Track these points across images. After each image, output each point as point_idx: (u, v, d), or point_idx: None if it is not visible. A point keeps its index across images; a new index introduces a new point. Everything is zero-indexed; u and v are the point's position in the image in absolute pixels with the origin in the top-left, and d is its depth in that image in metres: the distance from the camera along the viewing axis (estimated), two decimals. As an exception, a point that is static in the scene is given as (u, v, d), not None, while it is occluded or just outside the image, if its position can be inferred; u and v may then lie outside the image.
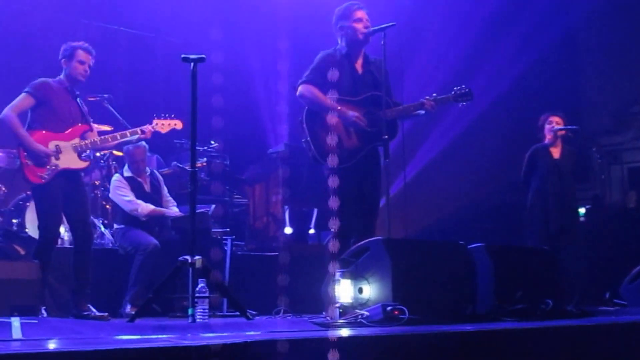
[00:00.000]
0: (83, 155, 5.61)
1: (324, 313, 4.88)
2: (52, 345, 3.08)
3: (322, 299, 4.99)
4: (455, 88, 5.46)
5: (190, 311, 4.55)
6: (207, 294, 4.72)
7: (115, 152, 7.34)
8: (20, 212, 6.92)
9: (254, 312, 5.26)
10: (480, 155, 9.72)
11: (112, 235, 6.80)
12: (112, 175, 6.94)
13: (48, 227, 5.48)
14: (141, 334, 3.71)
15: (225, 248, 6.68)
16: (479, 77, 8.92)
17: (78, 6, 8.87)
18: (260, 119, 9.98)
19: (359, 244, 4.75)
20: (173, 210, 6.79)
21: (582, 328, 4.28)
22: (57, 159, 5.45)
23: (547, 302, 4.85)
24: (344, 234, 5.08)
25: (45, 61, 6.18)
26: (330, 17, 5.51)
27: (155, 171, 7.10)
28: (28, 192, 6.90)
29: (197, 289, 4.65)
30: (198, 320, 4.58)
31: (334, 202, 4.98)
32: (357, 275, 4.49)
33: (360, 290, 4.46)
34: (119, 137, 5.76)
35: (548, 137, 7.16)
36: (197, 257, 4.68)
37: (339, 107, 5.24)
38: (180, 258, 4.72)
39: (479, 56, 9.53)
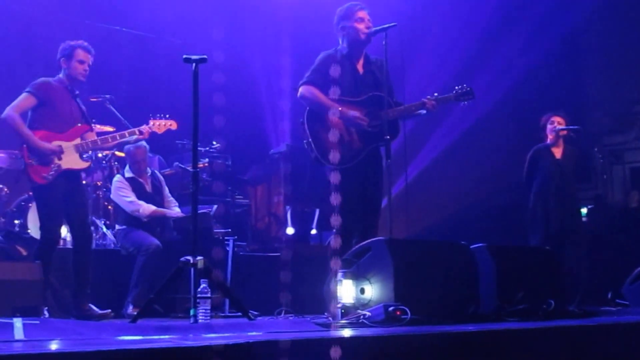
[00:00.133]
0: (84, 155, 5.61)
1: (325, 313, 4.88)
2: (54, 346, 3.08)
3: (324, 299, 4.99)
4: (456, 87, 5.45)
5: (192, 312, 4.55)
6: (209, 295, 4.72)
7: (117, 152, 7.34)
8: (22, 213, 6.92)
9: (255, 313, 5.26)
10: (482, 155, 9.71)
11: (114, 236, 6.81)
12: (114, 176, 6.95)
13: (49, 228, 5.49)
14: (143, 335, 3.71)
15: (227, 248, 6.68)
16: (480, 77, 8.92)
17: (80, 6, 8.88)
18: (262, 119, 9.98)
19: (361, 244, 4.76)
20: (175, 210, 6.79)
21: (584, 328, 4.28)
22: (60, 159, 5.45)
23: (549, 302, 4.84)
24: (346, 234, 5.08)
25: (47, 61, 6.18)
26: (332, 16, 5.50)
27: (156, 171, 7.10)
28: (30, 193, 6.91)
29: (199, 289, 4.65)
30: (200, 320, 4.57)
31: (335, 203, 4.98)
32: (359, 275, 4.49)
33: (362, 291, 4.46)
34: (118, 138, 5.78)
35: (550, 137, 7.16)
36: (199, 258, 4.67)
37: (340, 108, 5.24)
38: (182, 259, 4.71)
39: (480, 56, 9.53)
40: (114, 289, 6.19)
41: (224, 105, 7.30)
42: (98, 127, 6.82)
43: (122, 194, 6.58)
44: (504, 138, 9.57)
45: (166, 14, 9.05)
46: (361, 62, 5.46)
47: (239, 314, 5.16)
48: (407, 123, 6.92)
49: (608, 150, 9.68)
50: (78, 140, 5.56)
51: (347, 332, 3.75)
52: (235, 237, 6.88)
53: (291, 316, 5.43)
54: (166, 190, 6.94)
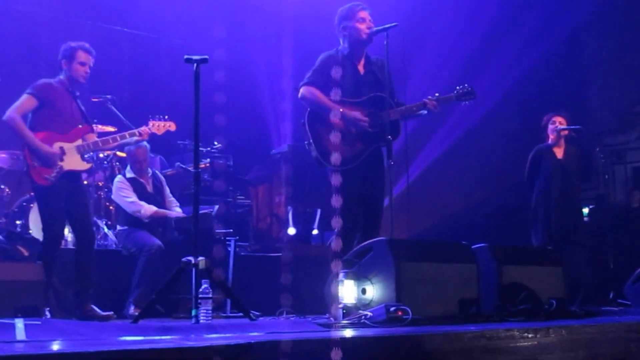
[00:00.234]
0: (86, 156, 5.62)
1: (327, 314, 4.88)
2: (55, 346, 3.08)
3: (326, 299, 4.99)
4: (457, 87, 5.44)
5: (193, 312, 4.55)
6: (210, 295, 4.72)
7: (118, 153, 7.34)
8: (24, 214, 6.93)
9: (257, 313, 5.26)
10: (483, 156, 9.71)
11: (116, 237, 6.81)
12: (115, 176, 6.95)
13: (52, 229, 5.49)
14: (145, 335, 3.71)
15: (229, 249, 6.68)
16: (482, 78, 8.91)
17: (82, 7, 8.88)
18: (263, 119, 9.99)
19: (362, 244, 4.75)
20: (176, 210, 6.79)
21: (585, 328, 4.27)
22: (62, 160, 5.45)
23: (551, 302, 4.84)
24: (348, 235, 5.08)
25: (49, 62, 6.18)
26: (333, 16, 5.50)
27: (157, 172, 7.10)
28: (32, 194, 6.90)
29: (201, 289, 4.65)
30: (201, 321, 4.58)
31: (337, 203, 4.98)
32: (360, 275, 4.49)
33: (364, 291, 4.46)
34: (118, 139, 5.78)
35: (551, 137, 7.15)
36: (200, 258, 4.68)
37: (341, 109, 5.23)
38: (183, 259, 4.72)
39: (482, 56, 9.52)
40: (115, 289, 6.19)
41: (225, 106, 7.30)
42: (99, 128, 6.83)
43: (123, 194, 6.58)
44: (505, 138, 9.57)
45: (168, 15, 9.05)
46: (362, 62, 5.46)
47: (241, 314, 5.16)
48: (409, 123, 6.90)
49: (610, 150, 9.66)
50: (79, 142, 5.56)
51: (348, 333, 3.75)
52: (237, 237, 6.88)
53: (292, 316, 5.43)
54: (167, 190, 6.94)
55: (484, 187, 9.57)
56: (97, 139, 5.65)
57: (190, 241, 4.89)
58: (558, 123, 7.12)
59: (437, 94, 5.38)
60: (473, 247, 4.98)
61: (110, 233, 6.97)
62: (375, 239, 4.72)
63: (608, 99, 10.30)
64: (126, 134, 5.81)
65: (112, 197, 6.81)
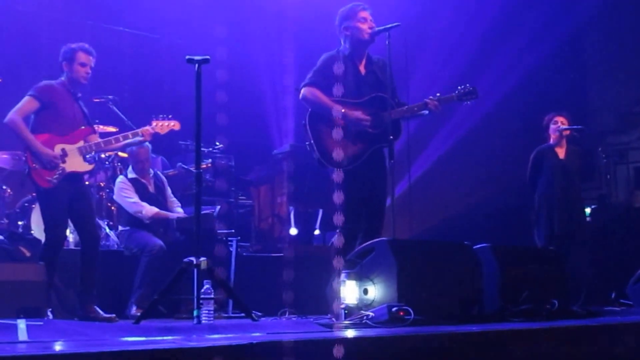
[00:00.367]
0: (87, 157, 5.61)
1: (329, 314, 4.88)
2: (57, 347, 3.09)
3: (327, 299, 4.99)
4: (459, 87, 5.43)
5: (195, 312, 4.56)
6: (212, 295, 4.72)
7: (120, 153, 7.35)
8: (25, 214, 6.93)
9: (259, 313, 5.26)
10: (485, 156, 9.70)
11: (118, 237, 6.81)
12: (117, 177, 6.95)
13: (54, 231, 5.48)
14: (147, 336, 3.72)
15: (231, 249, 6.69)
16: (484, 77, 8.91)
17: (82, 7, 8.89)
18: (265, 119, 9.98)
19: (364, 244, 4.75)
20: (177, 211, 6.79)
21: (587, 328, 4.27)
22: (64, 162, 5.45)
23: (553, 302, 4.84)
24: (350, 235, 5.08)
25: (51, 62, 6.17)
26: (335, 15, 5.49)
27: (158, 172, 7.11)
28: (33, 194, 6.91)
29: (202, 290, 4.65)
30: (203, 321, 4.58)
31: (339, 204, 4.98)
32: (362, 276, 4.49)
33: (366, 291, 4.46)
34: (121, 139, 5.74)
35: (553, 137, 7.14)
36: (202, 259, 4.68)
37: (343, 109, 5.23)
38: (185, 259, 4.72)
39: (484, 56, 9.51)
40: (117, 290, 6.19)
41: (227, 106, 7.30)
42: (101, 128, 6.83)
43: (124, 194, 6.59)
44: (507, 138, 9.56)
45: (169, 15, 9.05)
46: (363, 62, 5.46)
47: (242, 314, 5.16)
48: (411, 123, 6.90)
49: (612, 150, 9.65)
50: (81, 143, 5.55)
51: (350, 333, 3.75)
52: (239, 237, 6.88)
53: (294, 317, 5.43)
54: (169, 191, 6.95)
55: (485, 187, 9.56)
56: (99, 140, 5.65)
57: (192, 241, 4.90)
58: (560, 123, 7.12)
59: (438, 94, 5.38)
60: (475, 247, 4.98)
61: (112, 233, 6.98)
62: (377, 239, 4.71)
63: (610, 98, 10.29)
64: (129, 134, 5.79)
65: (114, 197, 6.81)
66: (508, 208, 9.05)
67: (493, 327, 4.09)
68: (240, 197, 8.67)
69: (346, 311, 4.42)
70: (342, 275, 4.49)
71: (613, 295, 6.92)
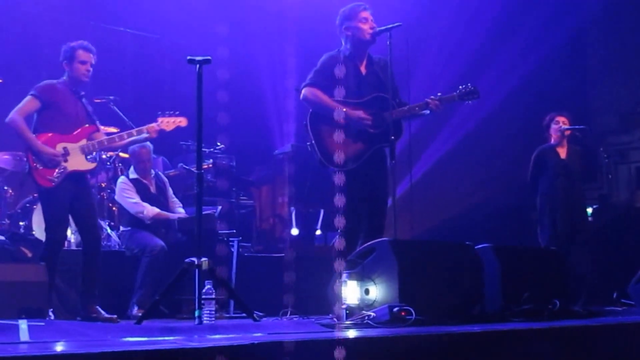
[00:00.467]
0: (89, 156, 5.61)
1: (330, 314, 4.88)
2: (59, 347, 3.09)
3: (329, 300, 4.99)
4: (460, 86, 5.43)
5: (196, 313, 4.56)
6: (213, 296, 4.72)
7: (121, 154, 7.35)
8: (27, 215, 6.93)
9: (260, 314, 5.26)
10: (486, 156, 9.70)
11: (119, 237, 6.81)
12: (118, 177, 6.95)
13: (55, 230, 5.48)
14: (148, 336, 3.72)
15: (232, 249, 6.69)
16: (485, 77, 8.90)
17: (83, 8, 8.89)
18: (266, 120, 9.98)
19: (366, 245, 4.75)
20: (179, 211, 6.79)
21: (589, 328, 4.27)
22: (66, 161, 5.44)
23: (555, 302, 4.84)
24: (351, 236, 5.08)
25: (52, 62, 6.17)
26: (337, 14, 5.48)
27: (160, 173, 7.11)
28: (35, 195, 6.91)
29: (204, 290, 4.65)
30: (205, 321, 4.58)
31: (340, 204, 4.98)
32: (363, 276, 4.49)
33: (367, 292, 4.46)
34: (125, 137, 5.71)
35: (554, 137, 7.14)
36: (203, 259, 4.68)
37: (344, 109, 5.23)
38: (186, 260, 4.72)
39: (485, 56, 9.51)
40: (118, 290, 6.19)
41: (228, 106, 7.30)
42: (102, 129, 6.82)
43: (126, 195, 6.59)
44: (508, 138, 9.56)
45: (170, 15, 9.05)
46: (364, 62, 5.45)
47: (244, 314, 5.17)
48: (412, 124, 6.90)
49: (613, 150, 9.65)
50: (84, 142, 5.55)
51: (351, 333, 3.75)
52: (240, 238, 6.88)
53: (296, 317, 5.43)
54: (170, 191, 6.95)
55: (487, 187, 9.56)
56: (103, 138, 5.63)
57: (193, 242, 4.90)
58: (562, 123, 7.11)
59: (439, 94, 5.37)
60: (476, 247, 4.97)
61: (113, 234, 6.98)
62: (378, 240, 4.71)
63: (612, 98, 10.29)
64: (133, 131, 5.74)
65: (115, 197, 6.81)
66: (509, 208, 9.05)
67: (494, 327, 4.09)
68: (242, 198, 8.67)
69: (347, 311, 4.42)
70: (344, 276, 4.48)
71: (615, 295, 6.92)
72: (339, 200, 4.98)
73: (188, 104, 5.66)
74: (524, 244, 6.88)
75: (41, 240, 6.22)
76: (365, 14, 5.37)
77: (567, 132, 7.10)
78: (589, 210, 7.98)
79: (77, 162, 5.49)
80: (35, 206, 6.87)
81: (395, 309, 4.12)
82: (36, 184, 5.49)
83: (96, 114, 5.86)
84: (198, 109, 4.93)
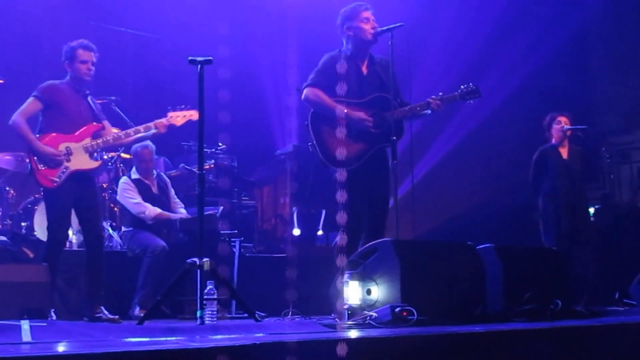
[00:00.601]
0: (95, 154, 5.61)
1: (332, 314, 4.88)
2: (61, 348, 3.09)
3: (331, 300, 4.99)
4: (461, 86, 5.42)
5: (198, 313, 4.56)
6: (215, 296, 4.72)
7: (123, 154, 7.35)
8: (28, 215, 6.94)
9: (262, 314, 5.26)
10: (488, 156, 9.69)
11: (120, 238, 6.81)
12: (119, 178, 6.95)
13: (56, 230, 5.49)
14: (150, 337, 3.72)
15: (234, 249, 6.69)
16: (488, 77, 8.89)
17: (84, 8, 8.89)
18: (268, 120, 9.98)
19: (367, 245, 4.75)
20: (181, 212, 6.80)
21: (591, 328, 4.26)
22: (68, 160, 5.45)
23: (556, 302, 4.83)
24: (353, 236, 5.08)
25: (53, 62, 6.18)
26: (339, 14, 5.48)
27: (162, 173, 7.11)
28: (36, 195, 6.93)
29: (206, 290, 4.65)
30: (207, 322, 4.58)
31: (342, 204, 4.98)
32: (365, 276, 4.48)
33: (369, 292, 4.46)
34: (132, 134, 5.67)
35: (556, 137, 7.13)
36: (205, 259, 4.68)
37: (345, 110, 5.23)
38: (188, 260, 4.72)
39: (488, 56, 9.50)
40: (120, 290, 6.19)
41: (230, 106, 7.30)
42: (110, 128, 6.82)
43: (128, 195, 6.59)
44: (510, 138, 9.54)
45: (171, 15, 9.05)
46: (366, 62, 5.45)
47: (246, 315, 5.17)
48: (414, 124, 6.89)
49: (615, 150, 9.63)
50: (88, 140, 5.55)
51: (353, 333, 3.74)
52: (242, 238, 6.89)
53: (297, 317, 5.43)
54: (172, 192, 6.95)
55: (488, 187, 9.55)
56: (108, 137, 5.62)
57: (195, 242, 4.90)
58: (563, 123, 7.10)
59: (440, 94, 5.37)
60: (478, 247, 4.97)
61: (115, 234, 6.98)
62: (380, 240, 4.71)
63: (614, 98, 10.26)
64: (140, 127, 5.68)
65: (117, 198, 6.82)
66: (511, 208, 9.03)
67: (496, 327, 4.08)
68: (243, 198, 8.67)
69: (349, 312, 4.41)
70: (345, 276, 4.48)
71: (617, 295, 6.91)
72: (341, 200, 4.98)
73: (189, 105, 5.66)
74: (525, 244, 6.86)
75: (43, 241, 6.23)
76: (367, 14, 5.37)
77: (569, 132, 7.09)
78: (591, 210, 7.97)
79: (81, 162, 5.49)
80: (36, 207, 6.88)
81: (397, 309, 4.12)
82: (39, 185, 5.50)
83: (105, 113, 5.85)
84: (199, 109, 4.93)
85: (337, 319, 4.55)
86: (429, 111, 5.36)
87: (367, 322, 4.18)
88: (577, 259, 6.81)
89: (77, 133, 5.53)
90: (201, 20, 8.90)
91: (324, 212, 8.98)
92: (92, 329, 4.55)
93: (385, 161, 5.37)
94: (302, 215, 8.99)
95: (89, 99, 5.67)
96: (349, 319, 4.37)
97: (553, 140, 7.15)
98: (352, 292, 4.44)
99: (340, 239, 5.00)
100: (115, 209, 7.34)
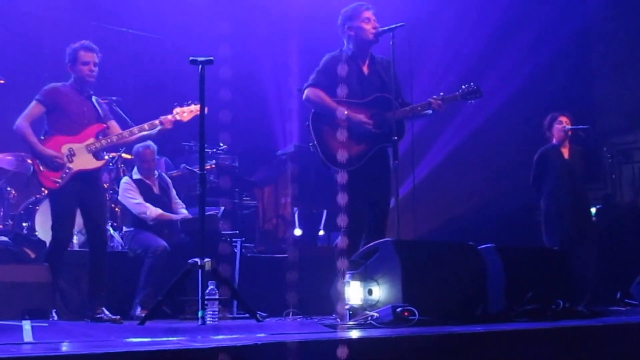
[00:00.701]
0: (100, 153, 5.62)
1: (333, 315, 4.88)
2: (62, 348, 3.09)
3: (332, 300, 4.99)
4: (462, 86, 5.42)
5: (200, 313, 4.56)
6: (216, 296, 4.72)
7: (124, 154, 7.35)
8: (30, 216, 6.95)
9: (263, 314, 5.26)
10: (490, 156, 9.68)
11: (122, 238, 6.82)
12: (120, 178, 6.96)
13: (60, 230, 5.50)
14: (151, 337, 3.72)
15: (235, 250, 6.69)
16: (489, 77, 8.89)
17: (85, 8, 8.90)
18: (269, 120, 9.98)
19: (368, 245, 4.75)
20: (182, 212, 6.80)
21: (592, 328, 4.26)
22: (71, 161, 5.47)
23: (558, 302, 4.83)
24: (354, 236, 5.08)
25: (54, 63, 6.18)
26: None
27: (163, 174, 7.11)
28: (37, 196, 6.94)
29: (207, 291, 4.66)
30: (208, 322, 4.59)
31: (343, 204, 4.98)
32: (366, 276, 4.48)
33: (370, 292, 4.45)
34: (136, 132, 5.66)
35: (557, 137, 7.11)
36: (206, 260, 4.68)
37: (346, 112, 5.22)
38: (189, 260, 4.72)
39: (489, 56, 9.49)
40: (121, 291, 6.19)
41: (231, 107, 7.30)
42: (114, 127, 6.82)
43: (129, 195, 6.59)
44: (512, 138, 9.53)
45: (172, 15, 9.05)
46: (367, 63, 5.45)
47: (247, 315, 5.16)
48: (415, 124, 6.90)
49: (617, 150, 9.62)
50: (91, 140, 5.56)
51: (355, 334, 3.74)
52: (243, 238, 6.89)
53: (299, 317, 5.43)
54: (173, 192, 6.95)
55: (490, 187, 9.54)
56: (111, 135, 5.62)
57: (196, 242, 4.90)
58: (565, 122, 7.09)
59: (441, 93, 5.37)
60: (479, 247, 4.96)
61: (116, 235, 6.98)
62: (381, 240, 4.71)
63: (615, 98, 10.25)
64: (145, 125, 5.66)
65: (119, 198, 6.82)
66: (513, 208, 9.03)
67: (498, 327, 4.08)
68: (245, 198, 8.67)
69: (351, 312, 4.41)
70: (347, 276, 4.48)
71: (618, 295, 6.90)
72: (342, 200, 4.98)
73: (196, 100, 5.65)
74: (526, 244, 6.86)
75: (44, 241, 6.24)
76: (368, 14, 5.36)
77: (570, 132, 7.08)
78: (593, 210, 7.97)
79: (83, 162, 5.51)
80: (37, 207, 6.89)
81: (399, 310, 4.12)
82: (42, 187, 5.54)
83: (113, 112, 5.85)
84: (201, 109, 4.93)
85: (338, 319, 4.56)
86: (430, 111, 5.35)
87: (368, 322, 4.18)
88: (579, 259, 6.80)
89: (80, 134, 5.55)
90: (202, 20, 8.90)
91: (325, 212, 8.98)
92: (93, 329, 4.55)
93: (387, 161, 5.36)
94: (303, 215, 8.99)
95: (93, 99, 5.68)
96: (350, 319, 4.37)
97: (554, 140, 7.14)
98: (354, 293, 4.44)
99: (341, 239, 5.00)
100: (117, 209, 7.34)
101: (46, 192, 6.80)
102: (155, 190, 6.76)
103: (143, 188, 6.66)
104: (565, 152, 7.12)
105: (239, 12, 9.15)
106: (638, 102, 10.05)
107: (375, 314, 4.21)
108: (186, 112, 5.66)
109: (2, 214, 7.18)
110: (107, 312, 5.40)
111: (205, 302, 4.61)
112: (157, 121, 5.64)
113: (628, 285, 6.40)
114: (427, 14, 9.21)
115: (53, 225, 5.51)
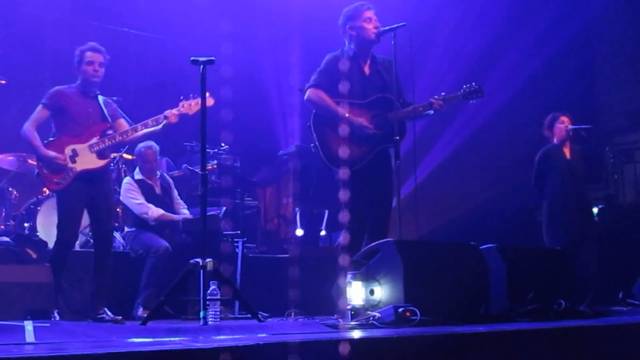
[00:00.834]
0: (105, 154, 5.63)
1: (335, 315, 4.87)
2: (64, 348, 3.08)
3: (334, 300, 4.98)
4: (464, 86, 5.41)
5: (201, 314, 4.56)
6: (218, 297, 4.72)
7: (125, 155, 7.35)
8: (31, 216, 6.95)
9: (265, 314, 5.26)
10: (491, 156, 9.67)
11: (123, 238, 6.82)
12: (122, 179, 6.96)
13: (65, 230, 5.53)
14: (153, 337, 3.72)
15: (237, 250, 6.69)
16: (491, 77, 8.88)
17: (87, 9, 8.90)
18: (271, 120, 9.98)
19: (370, 245, 4.74)
20: (183, 212, 6.80)
21: (595, 328, 4.26)
22: (74, 162, 5.50)
23: (560, 302, 4.82)
24: (355, 236, 5.07)
25: (55, 63, 6.20)
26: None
27: (165, 174, 7.12)
28: (39, 196, 6.94)
29: (209, 291, 4.66)
30: (210, 322, 4.58)
31: (345, 204, 4.97)
32: (368, 276, 4.48)
33: (372, 292, 4.45)
34: (139, 129, 5.66)
35: (558, 137, 7.10)
36: (208, 260, 4.68)
37: (347, 114, 5.21)
38: (191, 261, 4.72)
39: (491, 56, 9.49)
40: (123, 291, 6.19)
41: (232, 107, 7.30)
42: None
43: (131, 196, 6.59)
44: (514, 138, 9.53)
45: (173, 16, 9.06)
46: (368, 63, 5.44)
47: (249, 315, 5.16)
48: (417, 124, 6.87)
49: (619, 150, 9.61)
50: (94, 140, 5.59)
51: (356, 334, 3.74)
52: (245, 238, 6.89)
53: (300, 317, 5.42)
54: (175, 192, 6.95)
55: (492, 187, 9.53)
56: (115, 134, 5.63)
57: (198, 243, 4.90)
58: (566, 122, 7.08)
59: (443, 93, 5.36)
60: (481, 247, 4.96)
61: (117, 235, 6.98)
62: (383, 240, 4.70)
63: (618, 98, 10.25)
64: (148, 121, 5.64)
65: (120, 198, 6.82)
66: (514, 208, 9.03)
67: (500, 327, 4.08)
68: (246, 198, 8.67)
69: (352, 312, 4.41)
70: (349, 276, 4.48)
71: (620, 295, 6.90)
72: (344, 200, 4.97)
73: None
74: (528, 245, 6.85)
75: (46, 242, 6.25)
76: (369, 14, 5.36)
77: (572, 132, 7.07)
78: (595, 210, 7.96)
79: (87, 161, 5.54)
80: (39, 207, 6.89)
81: (400, 310, 4.11)
82: (46, 188, 5.57)
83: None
84: (202, 109, 4.93)
85: (340, 319, 4.55)
86: (432, 111, 5.35)
87: (370, 322, 4.17)
88: (581, 259, 6.80)
89: (83, 135, 5.59)
90: (203, 20, 8.90)
91: (326, 212, 8.98)
92: (95, 329, 4.55)
93: (388, 162, 5.36)
94: (305, 215, 8.99)
95: (99, 99, 5.70)
96: (352, 319, 4.36)
97: (554, 140, 7.13)
98: (355, 293, 4.43)
99: (343, 239, 4.99)
100: (118, 209, 7.34)
101: (47, 192, 6.83)
102: (157, 190, 6.76)
103: (145, 188, 6.66)
104: (567, 152, 7.11)
105: (240, 12, 9.15)
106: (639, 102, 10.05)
107: (377, 314, 4.20)
108: (193, 104, 5.62)
109: (3, 214, 7.19)
110: (109, 313, 5.40)
111: (207, 302, 4.60)
112: (161, 116, 5.63)
113: (630, 285, 6.40)
114: (428, 14, 9.20)
115: (58, 226, 5.55)
